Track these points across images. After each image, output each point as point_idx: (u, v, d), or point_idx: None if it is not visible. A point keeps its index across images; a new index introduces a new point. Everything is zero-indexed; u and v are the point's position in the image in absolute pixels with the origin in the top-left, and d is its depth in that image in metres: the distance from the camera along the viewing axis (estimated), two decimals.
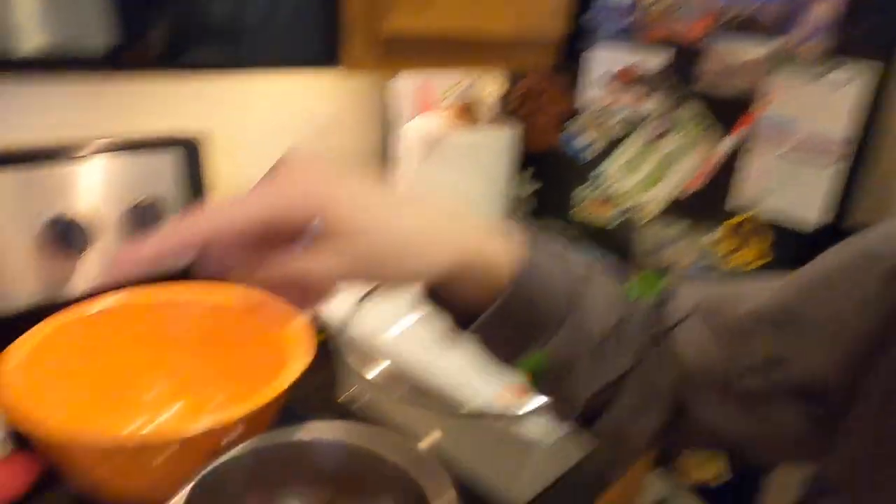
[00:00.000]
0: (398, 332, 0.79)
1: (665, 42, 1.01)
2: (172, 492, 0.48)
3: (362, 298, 0.84)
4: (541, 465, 0.71)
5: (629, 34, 1.05)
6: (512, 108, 1.22)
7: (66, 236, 0.74)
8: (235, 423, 0.57)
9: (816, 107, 0.89)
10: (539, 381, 0.40)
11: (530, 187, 1.23)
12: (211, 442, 0.56)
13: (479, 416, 0.65)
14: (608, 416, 0.41)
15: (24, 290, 0.73)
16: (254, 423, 0.61)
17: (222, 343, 0.74)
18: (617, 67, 1.08)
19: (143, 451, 0.54)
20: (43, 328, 0.65)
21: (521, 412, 0.64)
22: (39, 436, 0.54)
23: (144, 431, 0.53)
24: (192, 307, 0.75)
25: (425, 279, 0.36)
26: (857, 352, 0.34)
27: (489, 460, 0.68)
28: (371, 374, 0.71)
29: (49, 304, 0.74)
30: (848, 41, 0.85)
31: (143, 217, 0.81)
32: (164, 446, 0.54)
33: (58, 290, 0.75)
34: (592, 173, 1.15)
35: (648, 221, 1.11)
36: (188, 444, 0.55)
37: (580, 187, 1.18)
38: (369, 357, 0.72)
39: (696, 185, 1.03)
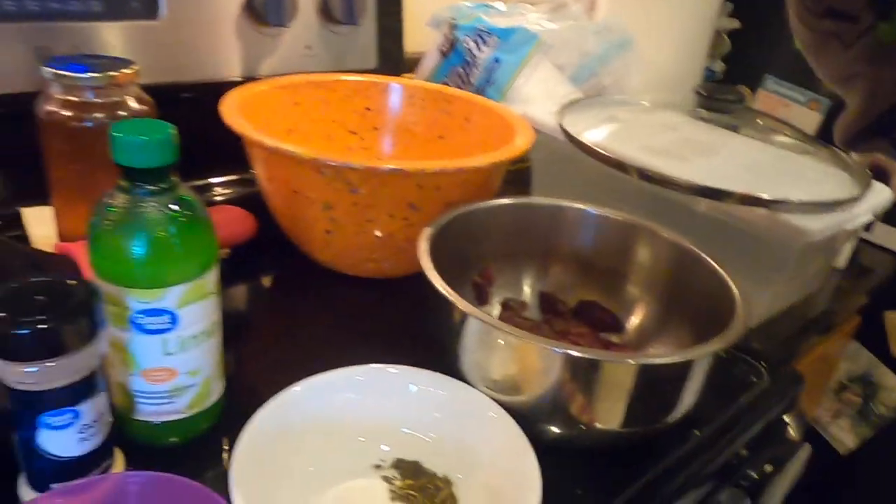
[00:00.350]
0: (607, 134, 0.70)
1: None
2: (398, 263, 0.43)
3: (564, 107, 0.76)
4: (786, 281, 0.61)
5: None
6: None
7: (269, 8, 0.70)
8: (472, 171, 0.51)
9: None
10: None
11: (731, 23, 1.08)
12: (448, 191, 0.51)
13: (740, 198, 0.55)
14: None
15: (226, 62, 0.70)
16: (484, 185, 0.55)
17: (436, 136, 0.70)
18: None
19: (389, 182, 0.49)
20: (256, 86, 0.62)
21: (783, 198, 0.54)
22: (280, 156, 0.50)
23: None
24: (407, 93, 0.71)
25: None
26: None
27: (729, 265, 0.58)
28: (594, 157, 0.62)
29: (251, 78, 0.70)
30: None
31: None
32: (411, 177, 0.49)
33: (260, 65, 0.71)
34: None
35: None
36: (428, 183, 0.50)
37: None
38: (585, 149, 0.64)
39: None
